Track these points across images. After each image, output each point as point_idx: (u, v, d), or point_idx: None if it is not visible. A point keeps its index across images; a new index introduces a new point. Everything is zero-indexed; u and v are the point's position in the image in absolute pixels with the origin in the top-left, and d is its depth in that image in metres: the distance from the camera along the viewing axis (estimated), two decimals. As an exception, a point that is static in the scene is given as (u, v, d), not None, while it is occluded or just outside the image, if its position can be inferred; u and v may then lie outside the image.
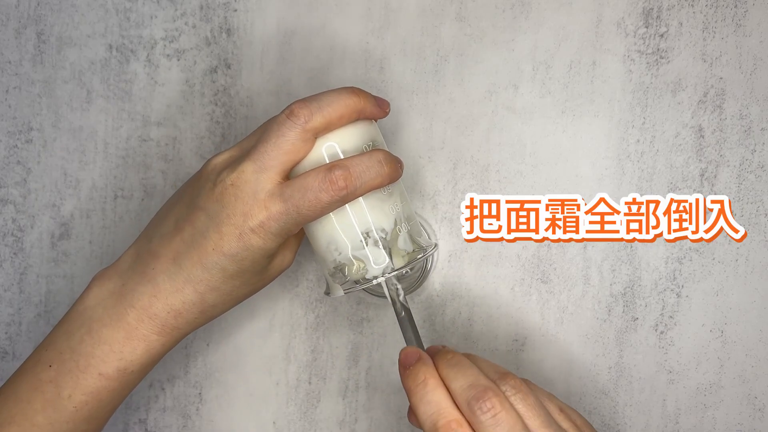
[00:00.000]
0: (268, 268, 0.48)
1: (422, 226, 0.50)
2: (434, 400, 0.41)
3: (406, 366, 0.43)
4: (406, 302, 0.47)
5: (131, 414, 0.58)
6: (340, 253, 0.46)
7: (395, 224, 0.46)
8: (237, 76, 0.57)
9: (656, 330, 0.56)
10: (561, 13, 0.56)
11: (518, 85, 0.56)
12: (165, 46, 0.58)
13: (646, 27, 0.55)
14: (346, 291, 0.46)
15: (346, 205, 0.45)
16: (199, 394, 0.58)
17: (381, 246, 0.46)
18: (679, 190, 0.55)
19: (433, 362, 0.42)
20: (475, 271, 0.56)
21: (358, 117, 0.46)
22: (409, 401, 0.41)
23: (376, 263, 0.46)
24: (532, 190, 0.56)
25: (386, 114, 0.48)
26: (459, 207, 0.56)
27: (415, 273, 0.56)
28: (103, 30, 0.58)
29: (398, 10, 0.56)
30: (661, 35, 0.55)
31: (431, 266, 0.56)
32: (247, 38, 0.57)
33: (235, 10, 0.57)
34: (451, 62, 0.56)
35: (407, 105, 0.56)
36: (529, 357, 0.56)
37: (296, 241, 0.50)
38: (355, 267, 0.46)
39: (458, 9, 0.56)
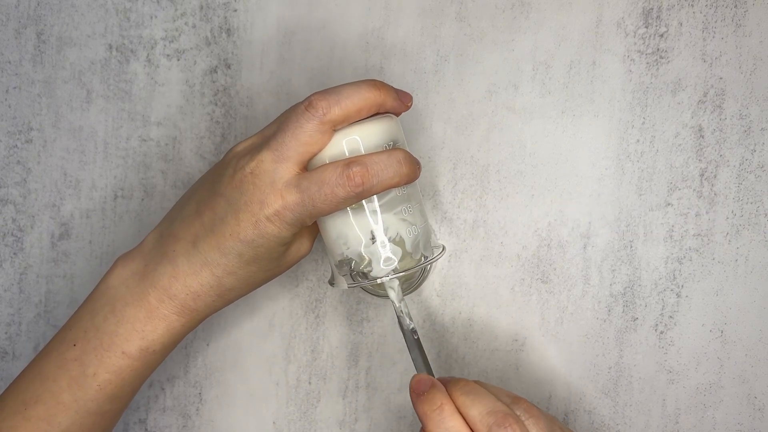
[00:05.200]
0: (285, 255, 0.48)
1: (432, 229, 0.50)
2: (451, 426, 0.41)
3: (418, 393, 0.43)
4: (415, 328, 0.48)
5: (131, 414, 0.58)
6: (348, 248, 0.46)
7: (407, 226, 0.46)
8: (237, 76, 0.57)
9: (656, 330, 0.56)
10: (561, 13, 0.56)
11: (518, 85, 0.56)
12: (165, 46, 0.58)
13: (646, 27, 0.55)
14: (350, 285, 0.46)
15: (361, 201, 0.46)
16: (199, 394, 0.58)
17: (389, 246, 0.46)
18: (679, 190, 0.55)
19: (446, 390, 0.43)
20: (475, 271, 0.56)
21: (377, 111, 0.46)
22: (425, 427, 0.42)
23: (382, 263, 0.46)
24: (532, 190, 0.56)
25: (407, 108, 0.48)
26: (459, 207, 0.56)
27: (415, 273, 0.56)
28: (103, 30, 0.58)
29: (398, 10, 0.56)
30: (661, 35, 0.55)
31: (431, 267, 0.56)
32: (247, 38, 0.57)
33: (235, 10, 0.57)
34: (451, 62, 0.56)
35: (407, 105, 0.56)
36: (529, 357, 0.56)
37: (314, 229, 0.50)
38: (362, 264, 0.46)
39: (458, 9, 0.56)
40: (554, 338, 0.56)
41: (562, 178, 0.56)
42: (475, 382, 0.44)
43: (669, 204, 0.55)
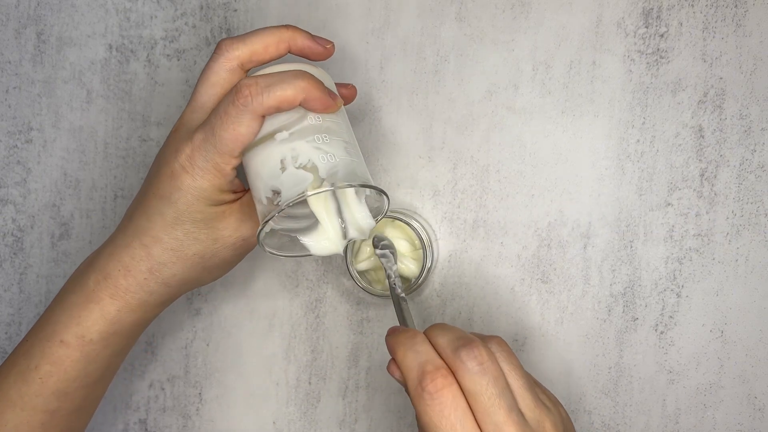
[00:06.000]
0: (215, 225, 0.46)
1: (367, 172, 0.46)
2: (423, 350, 0.40)
3: (393, 331, 0.42)
4: (402, 292, 0.48)
5: (131, 414, 0.58)
6: (263, 183, 0.43)
7: (321, 154, 0.43)
8: (237, 76, 0.57)
9: (656, 330, 0.56)
10: (561, 13, 0.56)
11: (518, 85, 0.56)
12: (165, 46, 0.58)
13: (646, 27, 0.55)
14: (263, 223, 0.43)
15: (265, 131, 0.43)
16: (199, 394, 0.58)
17: (300, 174, 0.42)
18: (679, 190, 0.55)
19: None
20: (475, 271, 0.56)
21: (287, 49, 0.46)
22: (395, 353, 0.41)
23: (293, 187, 0.42)
24: (532, 190, 0.56)
25: (326, 50, 0.47)
26: (459, 207, 0.56)
27: (413, 276, 0.56)
28: (103, 30, 0.58)
29: (398, 10, 0.56)
30: (661, 35, 0.55)
31: (431, 266, 0.56)
32: (247, 38, 0.57)
33: (235, 10, 0.57)
34: (451, 62, 0.56)
35: (407, 105, 0.56)
36: (529, 357, 0.56)
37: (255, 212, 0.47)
38: (276, 199, 0.43)
39: (458, 9, 0.56)
40: (554, 338, 0.56)
41: (562, 178, 0.56)
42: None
43: (669, 204, 0.55)
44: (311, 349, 0.58)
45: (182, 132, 0.45)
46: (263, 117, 0.43)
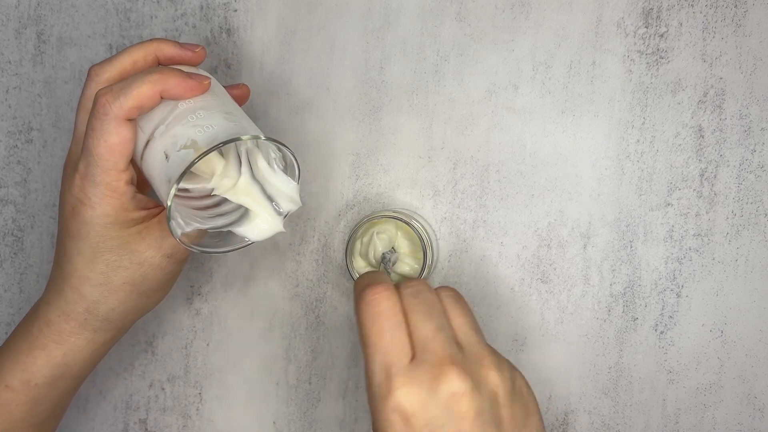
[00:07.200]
0: (137, 250, 0.45)
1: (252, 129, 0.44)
2: (376, 275, 0.43)
3: None
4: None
5: (131, 414, 0.58)
6: (159, 183, 0.43)
7: (198, 129, 0.42)
8: (237, 76, 0.57)
9: (656, 330, 0.56)
10: (561, 13, 0.56)
11: (518, 85, 0.56)
12: (165, 46, 0.58)
13: (646, 27, 0.55)
14: (168, 211, 0.41)
15: (147, 134, 0.43)
16: (199, 394, 0.58)
17: (182, 153, 0.42)
18: (679, 190, 0.55)
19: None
20: (475, 271, 0.56)
21: (155, 61, 0.45)
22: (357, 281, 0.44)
23: (179, 167, 0.41)
24: (532, 190, 0.56)
25: (195, 54, 0.46)
26: (459, 207, 0.56)
27: (415, 266, 0.56)
28: (104, 30, 0.58)
29: (398, 10, 0.56)
30: (661, 35, 0.55)
31: (432, 266, 0.56)
32: (247, 38, 0.57)
33: (235, 10, 0.57)
34: (451, 62, 0.56)
35: (407, 105, 0.56)
36: (529, 357, 0.56)
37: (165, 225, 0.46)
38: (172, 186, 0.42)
39: (458, 9, 0.56)
40: (554, 338, 0.56)
41: (562, 178, 0.56)
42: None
43: (669, 204, 0.55)
44: (311, 349, 0.58)
45: (70, 167, 0.45)
46: (130, 121, 0.43)
